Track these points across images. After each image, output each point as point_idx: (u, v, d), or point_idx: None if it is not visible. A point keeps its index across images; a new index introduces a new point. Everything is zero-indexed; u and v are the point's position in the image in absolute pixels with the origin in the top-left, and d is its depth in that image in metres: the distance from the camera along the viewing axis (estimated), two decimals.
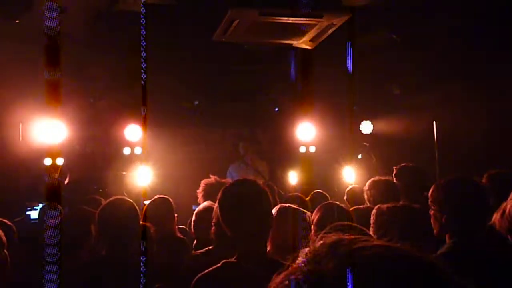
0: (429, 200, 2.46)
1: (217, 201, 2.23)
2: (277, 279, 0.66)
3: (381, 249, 0.64)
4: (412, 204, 2.91)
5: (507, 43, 5.71)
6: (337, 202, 3.15)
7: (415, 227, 2.24)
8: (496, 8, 5.20)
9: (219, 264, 2.11)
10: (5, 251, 2.43)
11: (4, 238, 2.41)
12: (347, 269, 0.60)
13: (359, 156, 7.83)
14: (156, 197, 4.09)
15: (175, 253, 3.56)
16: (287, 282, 0.64)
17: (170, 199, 4.08)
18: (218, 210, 2.19)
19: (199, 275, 2.14)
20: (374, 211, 2.56)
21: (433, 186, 2.48)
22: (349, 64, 5.57)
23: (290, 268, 0.67)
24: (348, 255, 0.63)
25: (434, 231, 2.45)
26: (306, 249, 0.67)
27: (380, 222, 2.45)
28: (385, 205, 2.56)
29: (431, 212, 2.43)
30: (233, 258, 2.11)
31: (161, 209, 3.85)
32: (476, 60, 6.39)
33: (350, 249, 0.63)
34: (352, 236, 0.67)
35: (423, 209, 2.58)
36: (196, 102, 8.38)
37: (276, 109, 8.59)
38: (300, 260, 0.66)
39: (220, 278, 2.07)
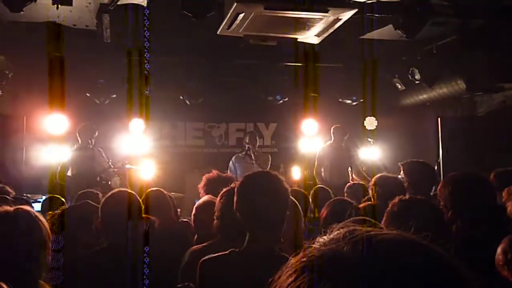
0: (438, 196, 2.45)
1: (236, 187, 2.15)
2: (293, 259, 0.66)
3: (396, 235, 0.66)
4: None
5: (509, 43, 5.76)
6: (346, 199, 3.11)
7: (430, 221, 2.20)
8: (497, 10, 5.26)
9: (226, 252, 2.08)
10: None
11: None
12: (364, 249, 0.62)
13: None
14: (149, 190, 4.06)
15: (175, 244, 3.53)
16: (304, 259, 0.64)
17: (164, 191, 4.05)
18: (235, 195, 2.11)
19: (205, 258, 2.10)
20: (389, 207, 2.49)
21: (441, 181, 2.47)
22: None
23: (306, 250, 0.66)
24: (365, 238, 0.64)
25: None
26: (320, 238, 0.67)
27: (394, 215, 2.41)
28: (402, 198, 2.50)
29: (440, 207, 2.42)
30: (241, 248, 2.06)
31: (155, 201, 3.80)
32: (480, 59, 6.39)
33: (367, 233, 0.65)
34: (368, 227, 0.68)
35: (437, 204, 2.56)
36: (187, 100, 8.37)
37: (280, 101, 8.59)
38: (315, 245, 0.66)
39: (225, 263, 2.04)
